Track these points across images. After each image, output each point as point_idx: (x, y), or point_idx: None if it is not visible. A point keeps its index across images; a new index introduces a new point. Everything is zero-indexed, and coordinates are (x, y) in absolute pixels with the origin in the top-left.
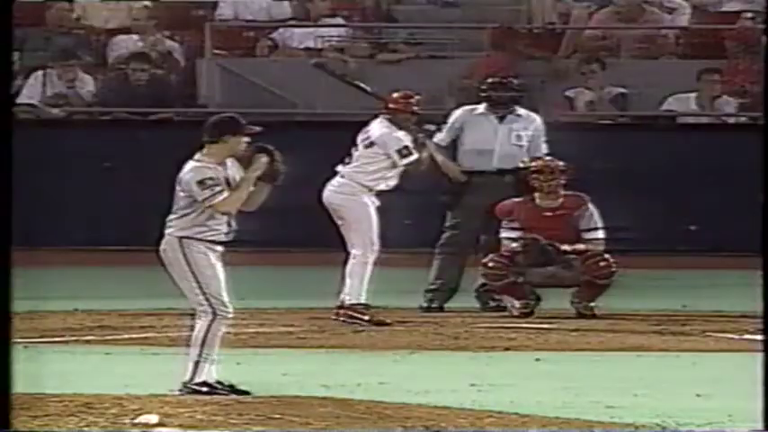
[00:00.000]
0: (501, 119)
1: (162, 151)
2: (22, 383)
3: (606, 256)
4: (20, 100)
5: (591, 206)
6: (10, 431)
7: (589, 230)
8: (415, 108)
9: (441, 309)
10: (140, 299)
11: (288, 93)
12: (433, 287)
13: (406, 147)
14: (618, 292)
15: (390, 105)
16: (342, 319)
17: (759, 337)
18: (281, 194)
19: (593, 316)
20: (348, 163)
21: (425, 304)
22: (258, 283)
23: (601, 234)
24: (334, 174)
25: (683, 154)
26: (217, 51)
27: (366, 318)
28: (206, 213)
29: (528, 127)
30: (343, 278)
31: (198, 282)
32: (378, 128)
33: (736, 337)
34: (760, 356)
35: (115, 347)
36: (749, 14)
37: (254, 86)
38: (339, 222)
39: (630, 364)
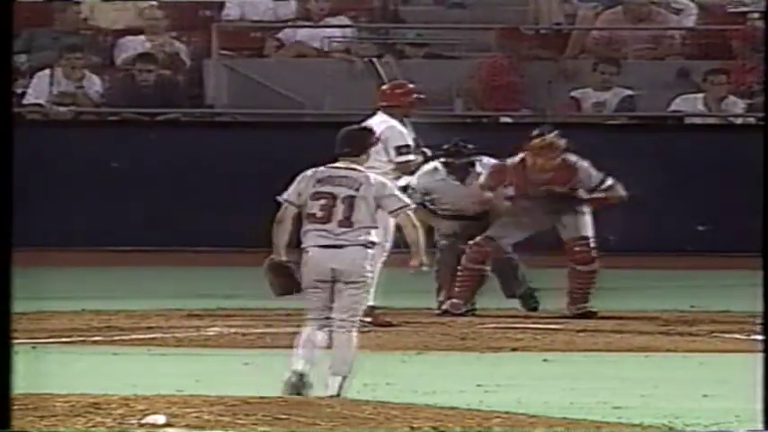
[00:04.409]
0: (462, 180)
1: (169, 151)
2: (29, 383)
3: (589, 243)
4: (27, 100)
5: (583, 167)
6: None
7: (598, 185)
8: (412, 98)
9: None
10: (147, 299)
11: (295, 93)
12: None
13: (407, 146)
14: (625, 293)
15: (384, 102)
16: None
17: (759, 337)
18: None
19: (587, 316)
20: None
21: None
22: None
23: (610, 182)
24: None
25: (691, 154)
26: (223, 52)
27: (368, 319)
28: None
29: None
30: None
31: None
32: (381, 123)
33: (744, 337)
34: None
35: (122, 348)
36: (756, 15)
37: (261, 87)
38: None
39: (638, 365)
